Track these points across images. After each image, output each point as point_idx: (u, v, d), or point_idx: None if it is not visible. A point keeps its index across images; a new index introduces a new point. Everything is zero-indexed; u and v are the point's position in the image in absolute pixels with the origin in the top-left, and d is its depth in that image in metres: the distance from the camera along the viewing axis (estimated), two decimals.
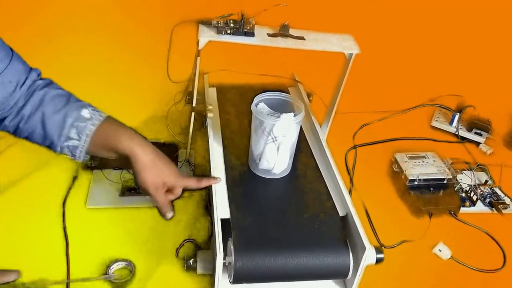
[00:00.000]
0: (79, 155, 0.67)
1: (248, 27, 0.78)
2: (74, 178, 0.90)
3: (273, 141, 0.77)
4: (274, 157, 0.78)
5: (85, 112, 0.66)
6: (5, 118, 0.65)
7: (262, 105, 0.80)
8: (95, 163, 0.93)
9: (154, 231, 0.82)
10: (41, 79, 0.68)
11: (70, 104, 0.67)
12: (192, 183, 0.75)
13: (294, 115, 0.76)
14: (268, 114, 0.78)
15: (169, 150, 0.96)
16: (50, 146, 0.67)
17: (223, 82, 1.09)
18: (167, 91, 1.06)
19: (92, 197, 0.87)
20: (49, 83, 0.68)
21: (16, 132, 0.67)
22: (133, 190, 0.88)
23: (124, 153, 0.67)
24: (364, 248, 0.67)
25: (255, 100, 0.80)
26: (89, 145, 0.66)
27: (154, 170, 0.69)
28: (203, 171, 0.95)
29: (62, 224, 0.83)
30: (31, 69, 0.67)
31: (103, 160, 0.93)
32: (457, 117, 1.14)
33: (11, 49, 0.65)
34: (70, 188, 0.88)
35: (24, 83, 0.64)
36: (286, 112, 0.77)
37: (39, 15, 1.08)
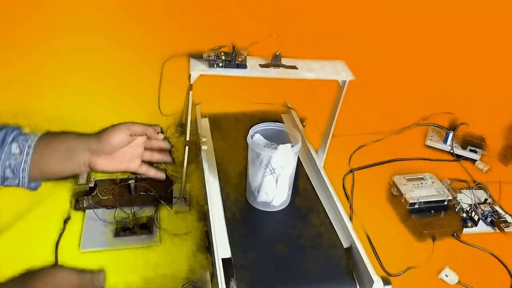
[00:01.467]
0: (22, 175, 0.66)
1: (240, 59, 0.77)
2: (66, 220, 0.87)
3: (271, 173, 0.75)
4: (273, 189, 0.76)
5: (14, 147, 0.64)
6: None
7: (258, 136, 0.79)
8: (87, 203, 0.90)
9: (152, 274, 0.79)
10: None
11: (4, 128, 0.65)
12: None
13: (292, 146, 0.74)
14: (264, 146, 0.76)
15: (163, 186, 0.94)
16: None
17: (215, 112, 1.08)
18: (157, 123, 1.04)
19: (85, 239, 0.84)
20: None
21: None
22: (128, 230, 0.85)
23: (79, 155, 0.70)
24: (372, 281, 0.65)
25: (251, 131, 0.79)
26: (32, 158, 0.65)
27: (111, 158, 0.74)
28: (200, 207, 0.92)
29: None
30: None
31: (96, 199, 0.90)
32: (451, 135, 1.14)
33: None
34: (62, 232, 0.85)
35: None
36: (282, 143, 0.75)
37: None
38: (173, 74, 0.84)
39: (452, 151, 1.13)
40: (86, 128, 0.75)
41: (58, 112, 1.14)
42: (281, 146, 0.74)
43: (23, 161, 0.65)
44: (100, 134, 0.74)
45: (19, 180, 0.66)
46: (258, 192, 0.77)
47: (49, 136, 0.70)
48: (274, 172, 0.74)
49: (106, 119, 1.11)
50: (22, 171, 0.65)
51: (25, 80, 1.12)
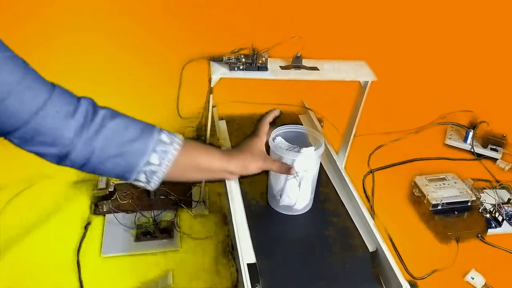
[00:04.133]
0: (154, 181, 0.63)
1: (260, 61, 0.76)
2: (87, 226, 0.87)
3: (294, 177, 0.74)
4: (296, 193, 0.75)
5: (164, 137, 0.63)
6: (68, 153, 0.59)
7: (279, 139, 0.78)
8: (107, 207, 0.89)
9: (175, 278, 0.78)
10: (100, 107, 0.62)
11: (145, 129, 0.63)
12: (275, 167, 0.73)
13: (315, 149, 0.73)
14: (287, 149, 0.75)
15: (182, 189, 0.93)
16: (123, 175, 0.63)
17: (232, 113, 1.07)
18: (176, 127, 1.04)
19: (106, 244, 0.83)
20: (112, 112, 0.63)
21: (84, 166, 0.61)
22: (149, 234, 0.84)
23: (216, 174, 0.69)
24: (401, 286, 0.64)
25: (272, 134, 0.78)
26: (169, 169, 0.63)
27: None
28: (220, 210, 0.91)
29: (78, 275, 0.79)
30: (80, 98, 0.60)
31: (115, 203, 0.90)
32: (471, 133, 1.12)
33: (52, 83, 0.59)
34: (83, 237, 0.84)
35: (76, 110, 0.58)
36: (303, 145, 0.74)
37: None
38: (191, 77, 0.84)
39: (472, 150, 1.12)
40: None
41: None
42: (304, 149, 0.72)
43: (159, 171, 0.63)
44: (239, 157, 0.70)
45: (148, 184, 0.65)
46: (280, 195, 0.76)
47: (191, 149, 0.66)
48: (297, 176, 0.73)
49: None
50: (156, 178, 0.64)
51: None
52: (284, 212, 0.78)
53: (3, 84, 0.53)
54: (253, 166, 0.70)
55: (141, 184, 0.64)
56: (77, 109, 0.58)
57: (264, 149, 0.74)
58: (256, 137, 0.74)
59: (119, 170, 0.62)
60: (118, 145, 0.60)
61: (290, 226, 0.77)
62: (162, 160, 0.62)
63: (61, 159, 0.60)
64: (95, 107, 0.61)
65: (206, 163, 0.67)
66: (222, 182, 0.86)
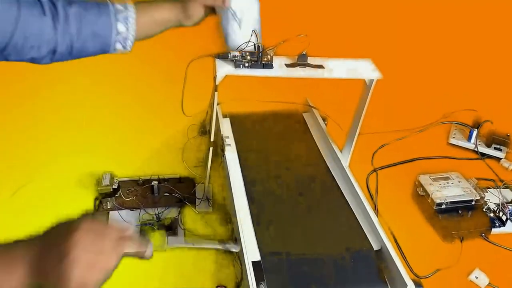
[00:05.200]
0: (129, 45, 0.74)
1: (266, 59, 0.76)
2: None
3: (234, 18, 0.75)
4: (238, 33, 0.77)
5: (118, 5, 0.72)
6: (55, 47, 0.68)
7: None
8: (111, 204, 0.89)
9: (179, 277, 0.78)
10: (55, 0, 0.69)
11: (101, 6, 0.71)
12: None
13: None
14: None
15: (186, 186, 0.93)
16: (103, 49, 0.72)
17: (236, 111, 1.07)
18: (180, 125, 1.04)
19: None
20: (67, 0, 0.70)
21: (71, 53, 0.70)
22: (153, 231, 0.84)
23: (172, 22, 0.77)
24: (405, 285, 0.64)
25: None
26: (135, 32, 0.73)
27: None
28: (223, 207, 0.91)
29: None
30: None
31: (119, 201, 0.90)
32: (475, 133, 1.12)
33: None
34: None
35: (43, 8, 0.66)
36: None
37: None
38: (194, 75, 0.84)
39: (476, 149, 1.11)
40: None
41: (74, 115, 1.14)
42: None
43: (129, 36, 0.73)
44: (184, 2, 0.77)
45: (125, 50, 0.74)
46: (227, 37, 0.78)
47: (144, 8, 0.75)
48: (236, 17, 0.75)
49: (129, 121, 1.12)
50: (130, 42, 0.74)
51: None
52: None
53: None
54: (197, 6, 0.77)
55: (121, 51, 0.74)
56: (43, 6, 0.66)
57: None
58: None
59: (98, 47, 0.72)
60: (87, 25, 0.69)
61: (296, 224, 0.76)
62: (127, 25, 0.72)
63: (51, 57, 0.69)
64: (52, 0, 0.68)
65: (160, 15, 0.76)
66: (224, 181, 0.86)
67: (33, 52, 0.67)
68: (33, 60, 0.68)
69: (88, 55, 0.73)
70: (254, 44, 0.76)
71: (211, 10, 0.78)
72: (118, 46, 0.73)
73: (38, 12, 0.65)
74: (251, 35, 0.77)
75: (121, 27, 0.72)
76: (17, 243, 0.55)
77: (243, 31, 0.76)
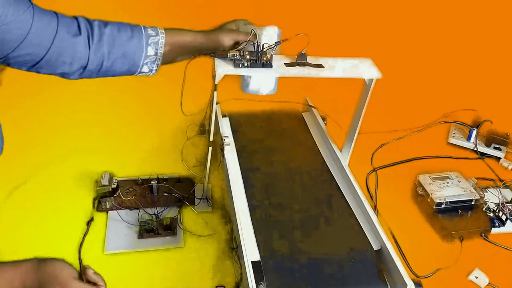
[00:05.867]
0: (155, 68, 0.77)
1: (265, 58, 0.76)
2: (89, 222, 0.86)
3: None
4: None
5: (150, 31, 0.75)
6: (86, 65, 0.72)
7: (250, 25, 0.83)
8: (110, 204, 0.89)
9: (179, 277, 0.78)
10: (92, 20, 0.73)
11: (134, 28, 0.74)
12: None
13: (277, 28, 0.79)
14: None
15: (185, 186, 0.93)
16: (131, 70, 0.76)
17: (235, 111, 1.06)
18: (179, 124, 1.04)
19: (109, 241, 0.83)
20: (101, 21, 0.74)
21: (99, 71, 0.74)
22: (152, 231, 0.84)
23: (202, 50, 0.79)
24: (405, 285, 0.64)
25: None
26: (163, 56, 0.76)
27: None
28: (223, 207, 0.91)
29: (80, 271, 0.78)
30: (75, 17, 0.71)
31: (118, 200, 0.90)
32: (474, 132, 1.12)
33: (52, 11, 0.69)
34: (85, 233, 0.84)
35: (79, 27, 0.70)
36: None
37: None
38: (192, 74, 0.84)
39: (476, 149, 1.11)
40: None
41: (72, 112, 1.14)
42: (267, 27, 0.78)
43: (157, 60, 0.76)
44: (215, 32, 0.80)
45: (151, 73, 0.78)
46: (248, 79, 0.80)
47: (173, 34, 0.77)
48: None
49: (128, 121, 1.12)
50: (156, 66, 0.77)
51: None
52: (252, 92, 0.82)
53: (22, 22, 0.63)
54: (227, 38, 0.80)
55: (146, 74, 0.77)
56: (80, 26, 0.70)
57: (237, 29, 0.83)
58: (229, 23, 0.83)
59: (126, 68, 0.75)
60: (119, 46, 0.72)
61: (296, 224, 0.76)
62: (156, 50, 0.75)
63: (81, 73, 0.72)
64: (89, 20, 0.72)
65: (190, 44, 0.77)
66: (224, 180, 0.86)
67: (65, 67, 0.71)
68: (63, 75, 0.72)
69: (114, 74, 0.76)
70: (253, 43, 0.75)
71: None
72: (145, 69, 0.76)
73: (74, 31, 0.69)
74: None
75: (150, 51, 0.75)
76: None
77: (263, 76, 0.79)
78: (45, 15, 0.68)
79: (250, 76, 0.80)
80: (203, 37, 0.78)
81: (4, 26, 0.63)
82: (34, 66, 0.69)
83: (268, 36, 0.78)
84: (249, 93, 0.83)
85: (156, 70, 0.77)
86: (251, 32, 0.78)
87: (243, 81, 0.83)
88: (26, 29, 0.65)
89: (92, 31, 0.71)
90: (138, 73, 0.77)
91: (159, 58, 0.76)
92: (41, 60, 0.68)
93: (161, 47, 0.76)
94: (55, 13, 0.70)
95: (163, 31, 0.76)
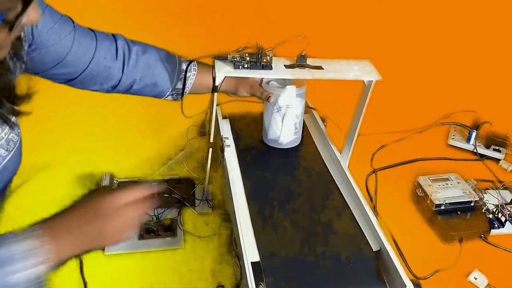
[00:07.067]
0: (179, 98, 0.84)
1: (265, 60, 0.76)
2: None
3: (278, 111, 0.84)
4: (279, 126, 0.85)
5: (184, 64, 0.81)
6: (116, 86, 0.77)
7: (272, 82, 0.88)
8: None
9: (179, 277, 0.78)
10: (132, 43, 0.77)
11: (170, 61, 0.80)
12: None
13: (296, 87, 0.84)
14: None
15: (186, 187, 0.93)
16: (156, 96, 0.83)
17: (235, 112, 1.07)
18: (179, 126, 1.04)
19: None
20: (142, 46, 0.79)
21: (127, 91, 0.80)
22: (152, 232, 0.85)
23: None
24: (404, 285, 0.64)
25: (265, 79, 0.88)
26: (190, 90, 0.83)
27: None
28: (223, 208, 0.91)
29: (80, 272, 0.79)
30: (114, 37, 0.75)
31: None
32: (474, 134, 1.12)
33: (92, 31, 0.73)
34: None
35: (117, 53, 0.74)
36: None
37: None
38: None
39: (475, 151, 1.12)
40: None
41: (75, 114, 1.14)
42: (287, 87, 0.83)
43: (183, 93, 0.83)
44: (237, 80, 0.88)
45: (175, 100, 0.85)
46: (268, 129, 0.85)
47: (203, 73, 0.84)
48: (281, 110, 0.84)
49: (129, 122, 1.12)
50: (180, 96, 0.84)
51: None
52: (272, 145, 0.91)
53: (61, 46, 0.67)
54: (244, 89, 0.87)
55: (169, 100, 0.85)
56: (117, 50, 0.74)
57: (257, 84, 0.88)
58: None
59: (153, 94, 0.82)
60: (152, 76, 0.78)
61: (296, 225, 0.76)
62: (184, 84, 0.81)
63: (110, 90, 0.78)
64: (129, 44, 0.76)
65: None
66: (224, 180, 0.86)
67: (97, 87, 0.76)
68: (93, 90, 0.77)
69: (140, 95, 0.82)
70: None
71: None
72: (169, 98, 0.84)
73: (111, 56, 0.73)
74: (294, 130, 0.86)
75: (179, 85, 0.81)
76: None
77: (285, 125, 0.84)
78: (84, 38, 0.70)
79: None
80: (226, 82, 0.78)
81: (44, 49, 0.65)
82: (67, 82, 0.73)
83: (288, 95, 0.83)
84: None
85: (180, 99, 0.83)
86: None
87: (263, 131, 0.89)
88: (64, 53, 0.67)
89: (130, 56, 0.75)
90: (163, 99, 0.84)
91: (185, 92, 0.82)
92: (76, 77, 0.72)
93: (191, 83, 0.82)
94: (95, 34, 0.72)
95: (196, 68, 0.81)
